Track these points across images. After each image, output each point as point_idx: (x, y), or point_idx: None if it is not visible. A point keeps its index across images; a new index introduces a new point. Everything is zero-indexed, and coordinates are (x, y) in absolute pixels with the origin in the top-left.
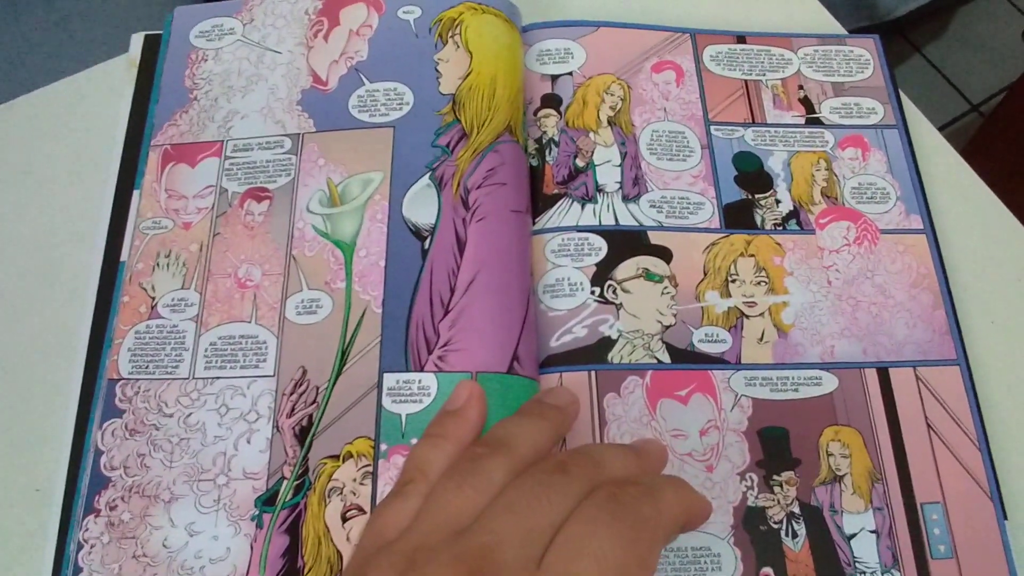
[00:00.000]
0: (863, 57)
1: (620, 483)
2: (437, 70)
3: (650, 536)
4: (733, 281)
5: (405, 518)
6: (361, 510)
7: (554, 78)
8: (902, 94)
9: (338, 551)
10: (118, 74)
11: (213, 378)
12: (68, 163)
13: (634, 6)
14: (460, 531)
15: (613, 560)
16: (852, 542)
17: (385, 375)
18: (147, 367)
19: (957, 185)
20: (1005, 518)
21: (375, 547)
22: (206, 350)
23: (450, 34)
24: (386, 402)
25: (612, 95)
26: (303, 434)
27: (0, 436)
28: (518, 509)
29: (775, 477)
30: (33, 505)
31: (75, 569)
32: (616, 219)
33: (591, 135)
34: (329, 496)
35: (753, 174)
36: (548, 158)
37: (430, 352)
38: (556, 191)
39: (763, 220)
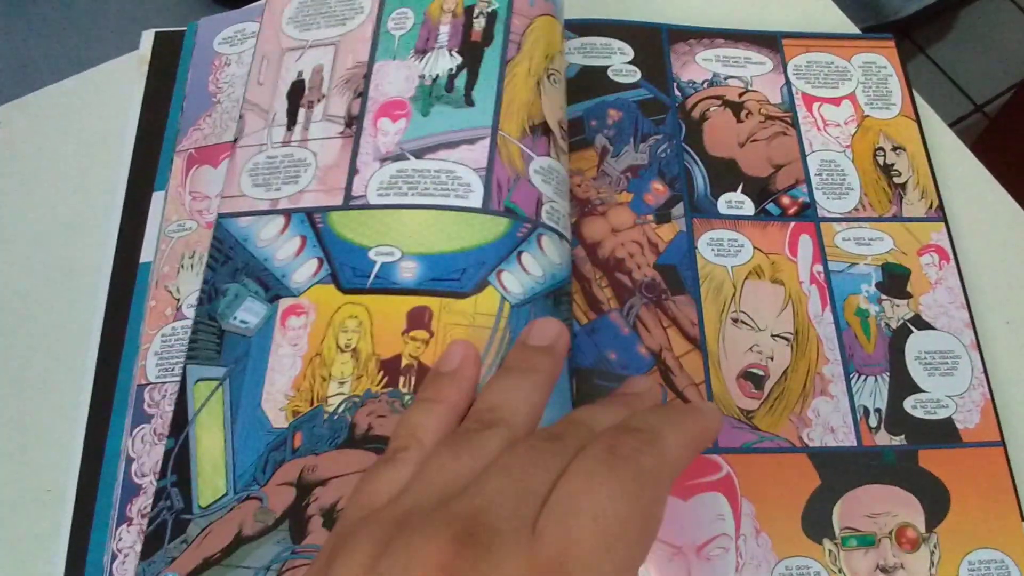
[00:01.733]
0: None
1: (617, 433)
2: None
3: (653, 487)
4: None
5: (396, 486)
6: None
7: None
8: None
9: None
10: (128, 72)
11: None
12: (78, 161)
13: (643, 5)
14: (452, 495)
15: (613, 517)
16: None
17: None
18: (172, 369)
19: (970, 184)
20: (1023, 519)
21: (361, 515)
22: None
23: None
24: None
25: None
26: None
27: (10, 436)
28: (511, 471)
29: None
30: (44, 506)
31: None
32: None
33: None
34: None
35: None
36: None
37: None
38: None
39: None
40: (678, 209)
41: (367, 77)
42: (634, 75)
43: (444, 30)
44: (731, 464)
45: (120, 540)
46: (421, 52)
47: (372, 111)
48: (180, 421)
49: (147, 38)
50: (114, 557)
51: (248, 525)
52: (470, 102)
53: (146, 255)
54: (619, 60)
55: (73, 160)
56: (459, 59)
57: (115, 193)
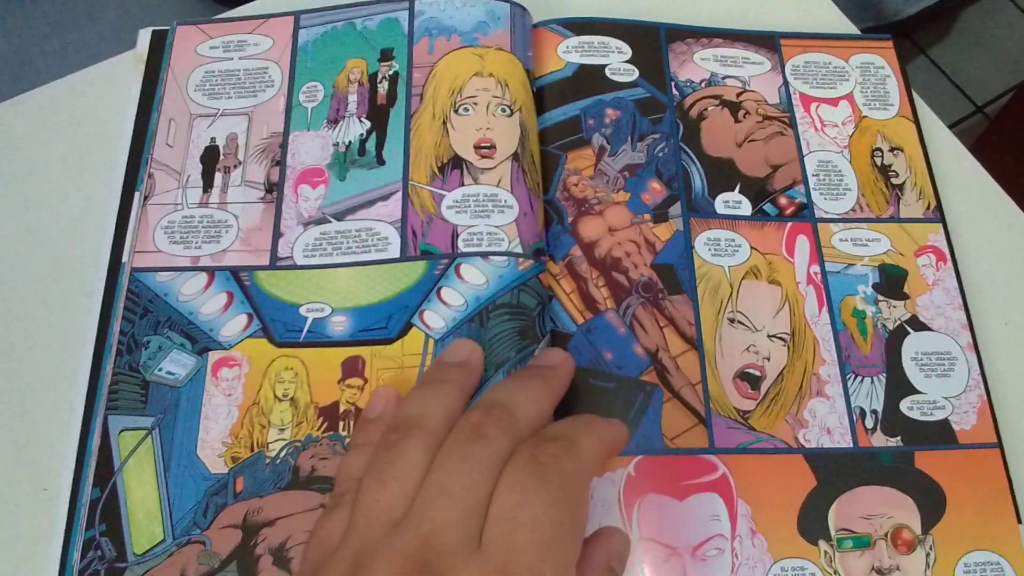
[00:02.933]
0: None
1: (537, 443)
2: None
3: (577, 489)
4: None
5: (343, 526)
6: None
7: None
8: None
9: None
10: (125, 70)
11: None
12: (75, 159)
13: (641, 5)
14: (396, 523)
15: (548, 522)
16: None
17: None
18: None
19: (969, 185)
20: (1020, 521)
21: (320, 557)
22: None
23: None
24: None
25: None
26: None
27: (6, 436)
28: (450, 490)
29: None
30: (40, 505)
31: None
32: None
33: None
34: None
35: None
36: None
37: None
38: None
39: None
40: (675, 208)
41: (283, 146)
42: (632, 74)
43: (352, 99)
44: (727, 465)
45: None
46: (333, 122)
47: (292, 179)
48: (105, 471)
49: (144, 36)
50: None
51: (192, 569)
52: (381, 161)
53: (126, 256)
54: (617, 59)
55: (70, 158)
56: (368, 124)
57: (111, 191)
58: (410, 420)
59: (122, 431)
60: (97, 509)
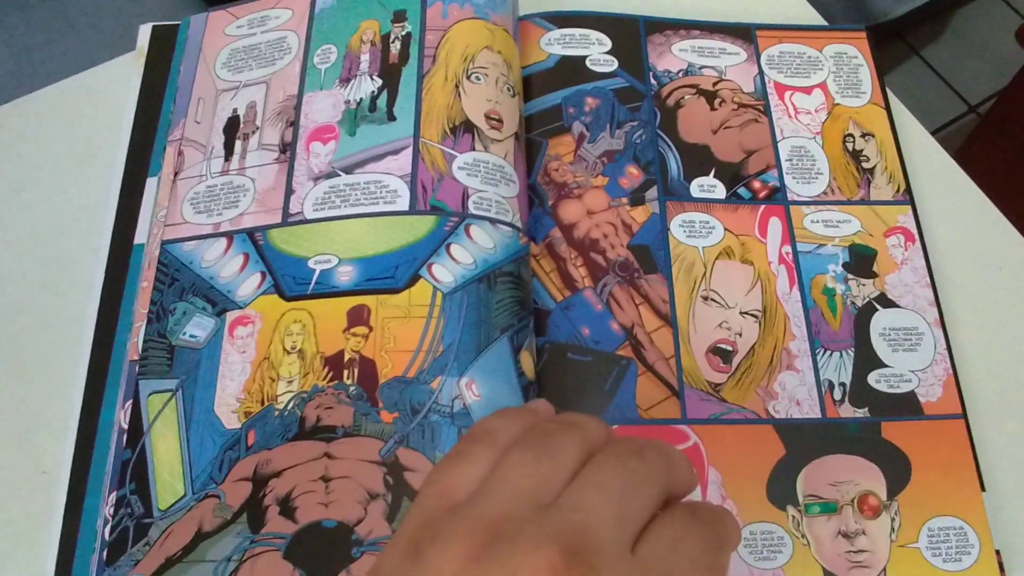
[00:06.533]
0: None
1: (694, 505)
2: None
3: (726, 553)
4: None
5: (473, 481)
6: None
7: None
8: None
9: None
10: (125, 70)
11: None
12: (76, 155)
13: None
14: (545, 505)
15: (704, 565)
16: None
17: None
18: None
19: (941, 179)
20: (983, 489)
21: (442, 507)
22: None
23: None
24: None
25: None
26: None
27: (6, 420)
28: (608, 491)
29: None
30: (39, 487)
31: (103, 544)
32: None
33: None
34: None
35: None
36: None
37: None
38: None
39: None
40: (652, 192)
41: (297, 108)
42: (611, 65)
43: (364, 59)
44: (699, 434)
45: (112, 506)
46: (345, 80)
47: (304, 137)
48: (136, 433)
49: (144, 32)
50: (106, 522)
51: (207, 522)
52: (392, 117)
53: (140, 237)
54: (597, 50)
55: (71, 154)
56: (379, 81)
57: (112, 179)
58: (569, 420)
59: (151, 394)
60: (128, 469)
